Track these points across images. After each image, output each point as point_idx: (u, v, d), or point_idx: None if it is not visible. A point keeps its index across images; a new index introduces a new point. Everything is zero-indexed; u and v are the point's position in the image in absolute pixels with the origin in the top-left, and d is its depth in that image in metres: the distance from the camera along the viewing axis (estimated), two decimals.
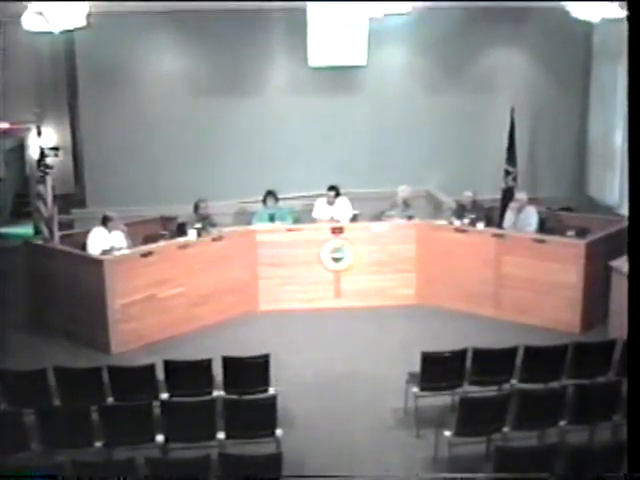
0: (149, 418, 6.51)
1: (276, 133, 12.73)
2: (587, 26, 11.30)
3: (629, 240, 5.26)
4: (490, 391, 7.24)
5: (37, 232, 10.43)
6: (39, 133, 10.33)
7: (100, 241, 9.72)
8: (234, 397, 7.04)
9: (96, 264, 9.26)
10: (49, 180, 9.88)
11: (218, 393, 7.17)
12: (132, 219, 10.68)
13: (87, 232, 9.91)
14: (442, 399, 7.43)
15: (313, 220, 11.30)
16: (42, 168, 9.91)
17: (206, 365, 7.23)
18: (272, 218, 11.10)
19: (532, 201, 10.89)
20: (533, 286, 9.82)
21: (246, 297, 10.51)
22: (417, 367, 7.30)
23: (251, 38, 12.40)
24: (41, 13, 7.75)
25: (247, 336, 9.57)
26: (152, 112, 12.54)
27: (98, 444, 6.42)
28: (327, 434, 7.31)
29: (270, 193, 11.21)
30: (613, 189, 12.40)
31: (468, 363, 7.36)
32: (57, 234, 9.95)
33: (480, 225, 10.38)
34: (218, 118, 12.64)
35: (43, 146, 10.20)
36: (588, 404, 6.63)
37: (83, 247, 9.82)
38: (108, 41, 11.94)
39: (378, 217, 11.30)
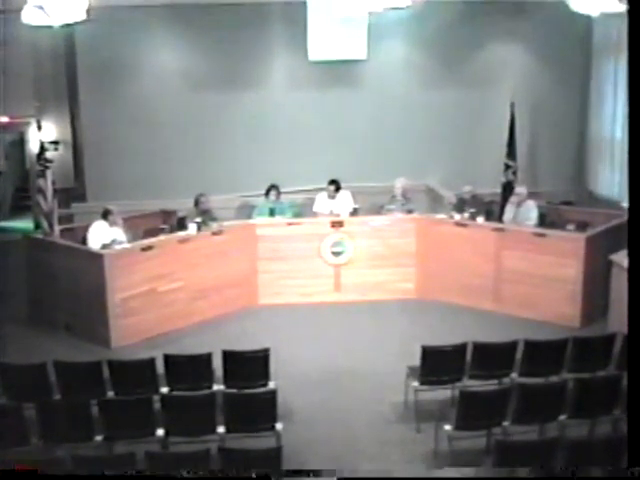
0: (149, 412, 6.51)
1: (276, 127, 12.74)
2: (587, 20, 11.28)
3: (629, 234, 5.26)
4: (490, 385, 7.23)
5: (37, 226, 10.43)
6: (39, 127, 10.32)
7: (101, 235, 9.71)
8: (234, 391, 7.04)
9: (96, 258, 9.26)
10: (49, 174, 9.87)
11: (218, 387, 7.17)
12: (132, 213, 10.68)
13: (87, 226, 9.90)
14: (442, 393, 7.43)
15: (314, 214, 11.30)
16: (42, 162, 9.90)
17: (206, 359, 7.23)
18: (272, 212, 11.10)
19: (532, 195, 10.88)
20: (533, 280, 9.81)
21: (246, 291, 10.52)
22: (417, 361, 7.30)
23: (251, 32, 12.39)
24: (41, 7, 7.73)
25: (247, 330, 9.58)
26: (152, 106, 12.54)
27: (98, 438, 6.42)
28: (327, 428, 7.31)
29: (273, 187, 11.23)
30: (613, 183, 12.40)
31: (468, 357, 7.36)
32: (57, 228, 9.95)
33: (480, 219, 10.38)
34: (218, 112, 12.63)
35: (43, 140, 10.20)
36: (588, 398, 6.63)
37: (83, 241, 9.82)
38: (108, 35, 11.95)
39: (378, 211, 11.30)
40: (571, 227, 10.09)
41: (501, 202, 11.39)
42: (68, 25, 8.53)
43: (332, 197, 11.28)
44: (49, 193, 9.82)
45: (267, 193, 11.29)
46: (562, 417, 6.65)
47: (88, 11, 8.07)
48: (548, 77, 13.17)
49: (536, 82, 13.08)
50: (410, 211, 11.09)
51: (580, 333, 8.47)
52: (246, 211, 11.85)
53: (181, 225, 10.39)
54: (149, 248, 9.61)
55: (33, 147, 12.65)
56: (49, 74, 13.24)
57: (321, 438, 7.11)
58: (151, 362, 7.15)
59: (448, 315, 10.03)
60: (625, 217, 8.12)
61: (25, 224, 13.45)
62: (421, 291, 10.72)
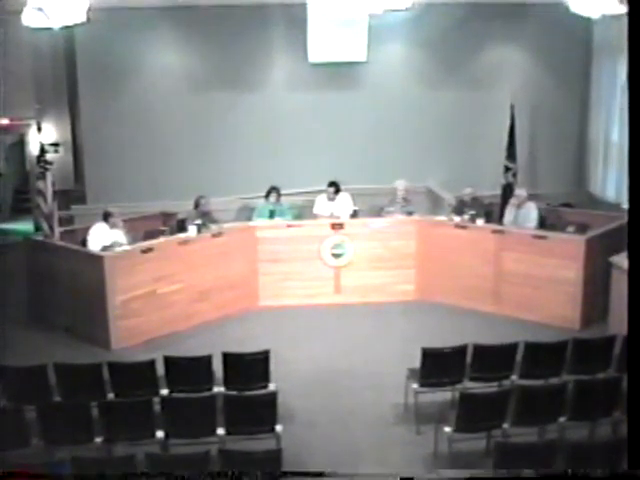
0: (149, 414, 6.50)
1: (276, 129, 12.74)
2: (587, 22, 11.27)
3: (629, 236, 5.26)
4: (490, 387, 7.23)
5: (37, 228, 10.42)
6: (39, 129, 10.34)
7: (101, 237, 9.71)
8: (234, 393, 7.03)
9: (96, 260, 9.26)
10: (49, 176, 9.87)
11: (218, 389, 7.16)
12: (132, 215, 10.67)
13: (87, 228, 9.90)
14: (442, 395, 7.42)
15: (314, 216, 11.31)
16: (42, 164, 9.90)
17: (206, 361, 7.22)
18: (272, 214, 11.10)
19: (532, 197, 10.88)
20: (533, 282, 9.82)
21: (246, 293, 10.52)
22: (417, 363, 7.29)
23: (251, 34, 12.40)
24: (41, 9, 7.74)
25: (247, 332, 9.57)
26: (152, 108, 12.54)
27: (98, 440, 6.41)
28: (327, 430, 7.30)
29: (274, 189, 11.23)
30: (612, 185, 12.40)
31: (468, 359, 7.35)
32: (57, 230, 9.94)
33: (480, 221, 10.38)
34: (218, 114, 12.64)
35: (43, 142, 10.20)
36: (588, 400, 6.63)
37: (83, 243, 9.82)
38: (108, 37, 11.94)
39: (378, 213, 11.30)
40: (571, 229, 10.09)
41: (501, 204, 11.38)
42: (68, 27, 8.55)
43: (332, 199, 11.29)
44: (49, 195, 9.82)
45: (267, 195, 11.29)
46: (562, 419, 6.65)
47: (88, 13, 8.08)
48: (548, 79, 13.18)
49: (536, 84, 13.10)
50: (410, 213, 11.09)
51: (580, 335, 8.46)
52: (246, 213, 11.86)
53: (181, 227, 10.39)
54: (149, 250, 9.61)
55: (33, 149, 12.69)
56: (49, 76, 13.28)
57: (321, 440, 7.10)
58: (151, 364, 7.13)
59: (448, 317, 10.03)
60: (625, 219, 8.10)
61: (25, 226, 13.45)
62: (421, 293, 10.72)
